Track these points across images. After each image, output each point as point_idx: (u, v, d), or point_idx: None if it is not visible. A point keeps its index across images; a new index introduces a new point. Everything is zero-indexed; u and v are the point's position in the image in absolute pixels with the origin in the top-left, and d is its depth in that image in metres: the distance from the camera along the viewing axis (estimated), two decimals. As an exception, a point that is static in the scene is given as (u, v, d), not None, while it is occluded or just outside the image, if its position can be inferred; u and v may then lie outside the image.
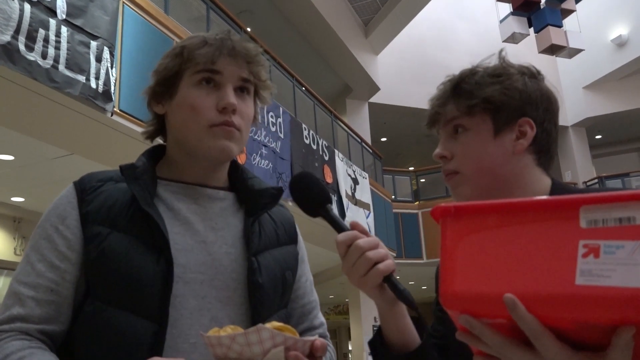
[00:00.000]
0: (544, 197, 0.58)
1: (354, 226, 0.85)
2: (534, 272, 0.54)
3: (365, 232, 0.85)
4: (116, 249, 0.92)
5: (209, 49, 0.99)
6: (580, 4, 11.08)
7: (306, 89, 9.05)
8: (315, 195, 0.90)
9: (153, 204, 0.96)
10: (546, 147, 0.97)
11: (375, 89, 13.37)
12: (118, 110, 4.33)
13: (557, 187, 0.96)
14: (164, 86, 1.03)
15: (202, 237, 0.99)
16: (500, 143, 0.95)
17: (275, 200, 1.10)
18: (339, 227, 0.86)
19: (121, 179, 1.01)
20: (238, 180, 1.11)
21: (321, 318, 1.19)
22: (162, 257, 0.93)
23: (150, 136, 1.10)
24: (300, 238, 1.19)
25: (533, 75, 0.99)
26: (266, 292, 1.00)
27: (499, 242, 0.58)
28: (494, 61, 1.00)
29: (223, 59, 1.00)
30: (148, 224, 0.94)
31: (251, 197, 1.08)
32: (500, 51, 1.01)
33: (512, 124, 0.95)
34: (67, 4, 3.97)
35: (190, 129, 0.99)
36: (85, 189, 0.99)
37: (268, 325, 0.73)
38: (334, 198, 8.55)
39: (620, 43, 14.19)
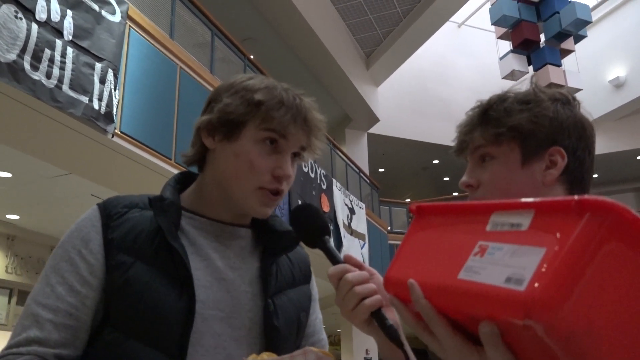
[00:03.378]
0: (471, 202, 0.62)
1: (347, 259, 0.85)
2: (437, 265, 0.61)
3: (358, 265, 0.85)
4: (141, 280, 0.92)
5: (286, 115, 0.99)
6: (579, 44, 11.25)
7: (306, 117, 9.10)
8: (315, 227, 0.91)
9: (178, 237, 0.96)
10: (579, 177, 0.92)
11: (374, 120, 13.47)
12: (119, 132, 4.35)
13: None
14: (226, 127, 1.01)
15: (222, 274, 0.99)
16: (529, 173, 0.90)
17: (296, 244, 1.11)
18: (333, 259, 0.86)
19: (146, 206, 1.01)
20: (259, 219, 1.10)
21: None
22: (184, 292, 0.92)
23: (190, 163, 1.09)
24: (313, 277, 1.20)
25: (566, 102, 0.94)
26: (282, 335, 1.01)
27: (431, 238, 0.65)
28: (525, 87, 0.97)
29: (294, 126, 1.01)
30: (172, 258, 0.94)
31: (272, 237, 1.08)
32: (532, 77, 0.98)
33: (542, 153, 0.90)
34: (74, 25, 4.02)
35: (240, 183, 1.00)
36: (110, 214, 0.98)
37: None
38: (331, 227, 8.48)
39: (618, 84, 14.37)
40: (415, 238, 0.68)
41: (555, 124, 0.91)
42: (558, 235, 0.48)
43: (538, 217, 0.52)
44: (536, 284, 0.47)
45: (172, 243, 0.94)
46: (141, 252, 0.94)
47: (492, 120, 0.93)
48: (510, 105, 0.93)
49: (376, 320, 0.80)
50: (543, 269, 0.47)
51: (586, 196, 0.48)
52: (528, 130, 0.90)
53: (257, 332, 0.99)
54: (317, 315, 1.19)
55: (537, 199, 0.53)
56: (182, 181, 1.10)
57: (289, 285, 1.08)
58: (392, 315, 0.82)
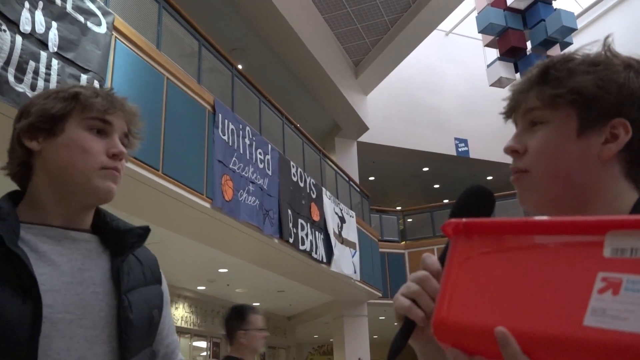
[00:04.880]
0: (569, 217, 0.48)
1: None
2: (537, 306, 0.46)
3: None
4: None
5: (104, 102, 1.06)
6: (565, 51, 11.35)
7: (295, 126, 9.11)
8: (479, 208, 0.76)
9: (17, 244, 0.95)
10: None
11: (364, 128, 13.49)
12: (105, 144, 4.32)
13: None
14: (48, 123, 1.04)
15: (69, 277, 1.00)
16: (585, 144, 0.79)
17: (142, 239, 1.14)
18: (444, 256, 0.69)
19: None
20: (101, 223, 1.13)
21: (181, 356, 1.24)
22: (28, 297, 0.91)
23: (14, 174, 1.08)
24: (164, 279, 1.23)
25: None
26: (136, 329, 1.04)
27: (508, 266, 0.50)
28: (596, 49, 0.85)
29: (114, 112, 1.08)
30: (12, 265, 0.93)
31: (118, 238, 1.11)
32: (606, 37, 0.86)
33: (603, 123, 0.78)
34: (59, 37, 3.99)
35: (78, 169, 1.03)
36: None
37: None
38: (321, 236, 8.51)
39: (604, 90, 14.52)
40: (470, 267, 0.53)
41: (624, 92, 0.79)
42: None
43: None
44: None
45: (12, 249, 0.92)
46: None
47: (551, 80, 0.82)
48: (575, 65, 0.82)
49: (403, 326, 0.68)
50: None
51: None
52: (591, 95, 0.79)
53: (111, 330, 1.01)
54: (169, 319, 1.23)
55: None
56: (14, 199, 1.07)
57: (141, 283, 1.10)
58: (423, 340, 0.71)
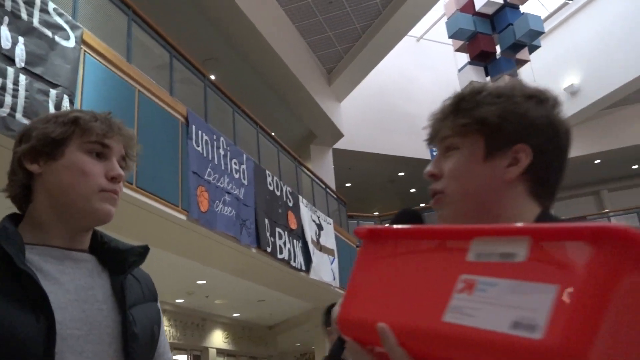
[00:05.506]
0: (442, 225, 0.55)
1: None
2: (412, 303, 0.52)
3: None
4: None
5: (102, 126, 1.10)
6: (533, 54, 11.54)
7: (270, 135, 9.11)
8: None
9: (26, 264, 0.98)
10: (543, 177, 0.90)
11: (338, 135, 13.54)
12: (77, 159, 4.27)
13: (542, 218, 0.88)
14: (49, 147, 1.07)
15: (74, 295, 1.03)
16: (490, 167, 0.88)
17: (142, 258, 1.18)
18: None
19: None
20: (98, 244, 1.16)
21: None
22: (41, 314, 0.94)
23: (16, 196, 1.11)
24: (158, 297, 1.26)
25: (543, 100, 0.91)
26: (140, 343, 1.08)
27: (396, 268, 0.56)
28: (505, 82, 0.95)
29: (113, 136, 1.12)
30: (20, 284, 0.95)
31: (117, 257, 1.14)
32: (513, 70, 0.96)
33: (506, 149, 0.88)
34: (27, 52, 3.94)
35: (78, 191, 1.06)
36: None
37: None
38: (299, 244, 8.50)
39: (573, 92, 14.80)
40: (372, 268, 0.59)
41: (524, 121, 0.88)
42: (571, 269, 0.42)
43: (536, 245, 0.45)
44: (555, 331, 0.40)
45: (21, 267, 0.95)
46: None
47: (461, 111, 0.92)
48: (482, 97, 0.91)
49: (338, 340, 0.77)
50: (560, 312, 0.40)
51: (599, 223, 0.43)
52: (494, 124, 0.88)
53: (117, 345, 1.05)
54: (164, 336, 1.26)
55: (534, 225, 0.47)
56: (14, 221, 1.10)
57: (140, 300, 1.15)
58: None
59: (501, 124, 0.88)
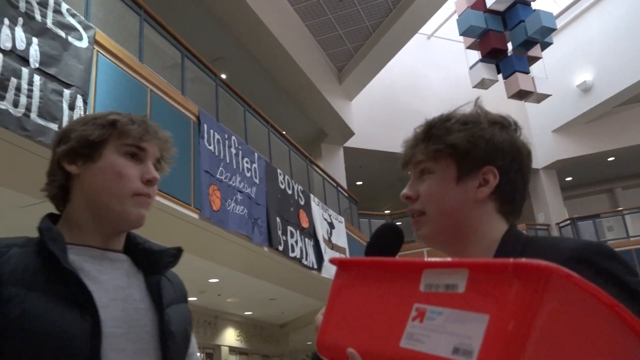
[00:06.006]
0: (400, 259, 0.60)
1: None
2: (376, 330, 0.57)
3: None
4: (38, 309, 0.93)
5: (139, 128, 1.12)
6: (546, 51, 11.47)
7: (281, 134, 9.12)
8: (388, 249, 0.96)
9: (68, 262, 1.01)
10: (510, 196, 0.98)
11: (349, 133, 13.53)
12: (90, 158, 4.30)
13: (507, 235, 0.96)
14: (87, 149, 1.09)
15: (113, 294, 1.06)
16: (463, 189, 0.97)
17: (176, 259, 1.20)
18: None
19: (25, 244, 1.03)
20: (132, 245, 1.19)
21: None
22: (86, 313, 0.97)
23: (53, 195, 1.13)
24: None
25: (506, 126, 1.00)
26: (177, 342, 1.11)
27: (362, 296, 0.62)
28: (470, 108, 1.03)
29: (149, 139, 1.14)
30: (65, 283, 0.98)
31: (151, 258, 1.17)
32: (477, 99, 1.04)
33: (476, 171, 0.96)
34: (41, 52, 3.98)
35: (113, 193, 1.08)
36: None
37: None
38: (311, 243, 8.51)
39: (585, 88, 14.68)
40: (344, 295, 0.65)
41: (490, 145, 0.96)
42: (499, 300, 0.47)
43: (473, 278, 0.51)
44: (487, 356, 0.45)
45: (66, 267, 0.98)
46: (33, 283, 0.96)
47: (433, 137, 0.99)
48: (451, 125, 0.99)
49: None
50: (490, 339, 0.46)
51: (522, 260, 0.47)
52: (464, 149, 0.96)
53: (155, 343, 1.08)
54: (193, 337, 1.28)
55: (471, 260, 0.52)
56: (52, 221, 1.13)
57: (174, 301, 1.18)
58: None
59: (470, 149, 0.96)
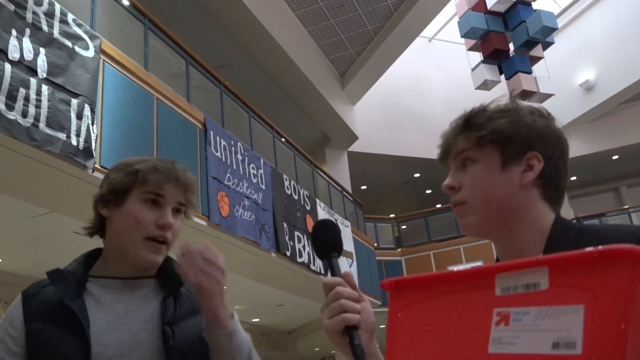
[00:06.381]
0: (464, 267, 0.59)
1: (345, 276, 0.91)
2: (456, 343, 0.56)
3: (353, 286, 0.91)
4: (48, 339, 1.14)
5: (159, 176, 1.23)
6: (547, 51, 11.47)
7: (286, 139, 9.14)
8: (327, 243, 0.98)
9: (74, 298, 1.17)
10: (554, 181, 0.99)
11: (353, 138, 13.54)
12: (99, 167, 4.32)
13: (558, 223, 0.97)
14: (114, 195, 1.24)
15: (123, 319, 1.19)
16: (508, 175, 0.96)
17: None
18: (333, 273, 0.93)
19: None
20: (161, 266, 1.30)
21: None
22: (82, 339, 1.12)
23: (91, 234, 1.30)
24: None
25: (543, 114, 1.02)
26: (182, 354, 1.18)
27: (429, 314, 0.61)
28: (504, 101, 1.03)
29: (168, 185, 1.24)
30: (74, 315, 1.14)
31: (171, 278, 1.28)
32: (512, 91, 1.05)
33: (520, 157, 0.97)
34: (48, 63, 4.00)
35: (129, 237, 1.22)
36: (28, 295, 1.22)
37: None
38: (317, 247, 8.50)
39: (588, 87, 14.67)
40: (405, 319, 0.63)
41: (532, 131, 0.97)
42: (592, 289, 0.47)
43: (555, 273, 0.51)
44: (592, 345, 0.45)
45: (67, 303, 1.15)
46: (50, 317, 1.16)
47: (474, 126, 0.99)
48: (491, 113, 0.99)
49: (349, 335, 0.85)
50: (592, 328, 0.46)
51: (608, 247, 0.48)
52: (507, 134, 0.96)
53: (159, 357, 1.18)
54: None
55: (547, 256, 0.52)
56: (94, 256, 1.30)
57: (191, 313, 1.25)
58: (364, 340, 0.86)
59: (513, 134, 0.96)
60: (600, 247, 0.48)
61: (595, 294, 0.47)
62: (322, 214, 9.10)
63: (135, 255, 1.22)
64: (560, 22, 13.31)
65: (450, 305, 0.59)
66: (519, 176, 0.96)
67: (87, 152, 4.19)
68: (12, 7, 3.79)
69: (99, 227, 1.29)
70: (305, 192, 8.74)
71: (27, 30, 3.89)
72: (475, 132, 0.98)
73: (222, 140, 6.43)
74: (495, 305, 0.53)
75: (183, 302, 1.26)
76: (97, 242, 1.32)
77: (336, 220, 9.70)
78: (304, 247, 7.97)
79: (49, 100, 3.94)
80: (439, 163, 1.07)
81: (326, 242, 0.98)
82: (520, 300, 0.52)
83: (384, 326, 0.82)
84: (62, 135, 3.99)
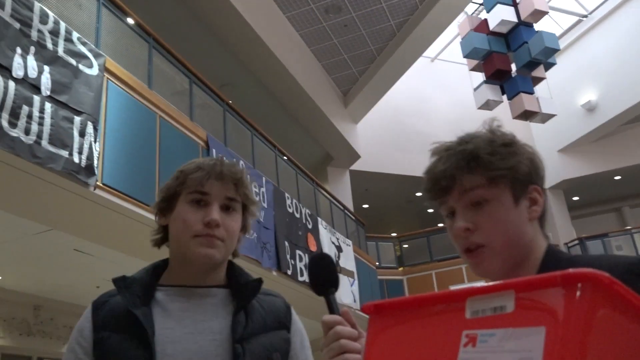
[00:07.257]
0: (437, 292, 0.61)
1: (344, 314, 0.92)
2: None
3: (353, 324, 0.91)
4: (113, 347, 1.13)
5: (200, 174, 1.21)
6: (550, 71, 11.52)
7: (288, 158, 9.15)
8: (325, 278, 0.98)
9: (140, 306, 1.16)
10: (544, 211, 0.99)
11: (355, 156, 13.56)
12: (101, 184, 4.32)
13: (549, 253, 0.96)
14: (166, 202, 1.24)
15: (190, 329, 1.17)
16: (519, 211, 0.95)
17: (256, 291, 1.26)
18: (332, 311, 0.93)
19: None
20: (232, 277, 1.28)
21: None
22: (147, 348, 1.11)
23: (157, 244, 1.29)
24: (297, 325, 1.33)
25: (525, 143, 1.01)
26: None
27: (401, 337, 0.63)
28: (481, 128, 1.00)
29: (211, 182, 1.21)
30: (139, 323, 1.13)
31: (239, 290, 1.25)
32: (492, 120, 1.01)
33: (525, 191, 0.96)
34: (52, 80, 4.03)
35: (181, 239, 1.20)
36: (98, 304, 1.22)
37: None
38: (319, 266, 8.46)
39: (590, 108, 14.70)
40: (381, 340, 0.65)
41: (533, 164, 0.97)
42: (552, 311, 0.49)
43: (521, 296, 0.52)
44: None
45: (133, 311, 1.14)
46: (116, 325, 1.16)
47: (485, 163, 0.94)
48: (498, 148, 0.95)
49: None
50: (551, 349, 0.47)
51: (569, 270, 0.49)
52: (520, 171, 0.95)
53: None
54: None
55: (514, 280, 0.54)
56: (163, 266, 1.28)
57: (261, 330, 1.21)
58: None
59: (524, 170, 0.95)
60: (562, 271, 0.49)
61: (556, 316, 0.48)
62: (324, 232, 9.08)
63: (191, 254, 1.19)
64: (562, 43, 13.38)
65: (424, 327, 0.60)
66: (527, 210, 0.96)
67: (89, 170, 4.19)
68: (17, 25, 3.82)
69: (163, 238, 1.28)
70: (307, 210, 8.72)
71: (32, 48, 3.92)
72: (487, 170, 0.94)
73: (225, 158, 6.43)
74: (464, 327, 0.55)
75: (254, 316, 1.23)
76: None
77: (338, 239, 9.67)
78: (305, 265, 7.93)
79: (52, 118, 3.96)
80: (429, 199, 1.03)
81: (324, 277, 0.97)
82: (487, 323, 0.53)
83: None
84: (65, 153, 4.01)
